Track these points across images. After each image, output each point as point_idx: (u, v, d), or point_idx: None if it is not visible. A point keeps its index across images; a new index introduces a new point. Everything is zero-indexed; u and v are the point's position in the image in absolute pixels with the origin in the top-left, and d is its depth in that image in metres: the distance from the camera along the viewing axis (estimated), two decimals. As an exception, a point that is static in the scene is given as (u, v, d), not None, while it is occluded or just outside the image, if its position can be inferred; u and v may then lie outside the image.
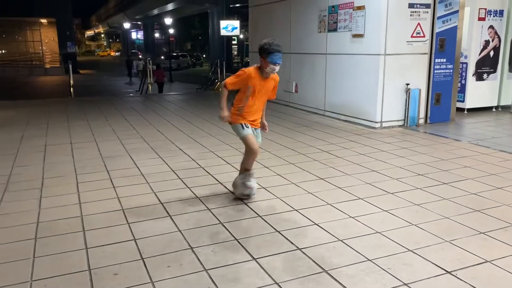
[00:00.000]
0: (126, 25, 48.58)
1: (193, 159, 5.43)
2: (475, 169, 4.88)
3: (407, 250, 3.01)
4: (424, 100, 7.50)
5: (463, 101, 8.44)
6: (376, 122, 7.25)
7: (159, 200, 4.01)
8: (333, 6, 8.07)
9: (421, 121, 7.51)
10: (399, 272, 2.73)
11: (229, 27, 28.24)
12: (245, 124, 3.82)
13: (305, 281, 2.64)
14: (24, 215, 3.69)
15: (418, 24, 7.17)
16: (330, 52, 8.27)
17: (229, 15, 33.14)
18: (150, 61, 16.71)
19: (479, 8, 8.07)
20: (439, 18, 7.24)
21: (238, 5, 32.56)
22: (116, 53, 63.68)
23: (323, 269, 2.77)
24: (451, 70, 7.55)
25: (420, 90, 7.33)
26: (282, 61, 3.78)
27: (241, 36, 38.27)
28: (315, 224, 3.46)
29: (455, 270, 2.73)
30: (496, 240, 3.15)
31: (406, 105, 7.29)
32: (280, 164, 5.18)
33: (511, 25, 8.50)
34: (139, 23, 52.99)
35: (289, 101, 9.73)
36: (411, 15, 7.09)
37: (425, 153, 5.63)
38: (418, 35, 7.20)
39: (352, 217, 3.58)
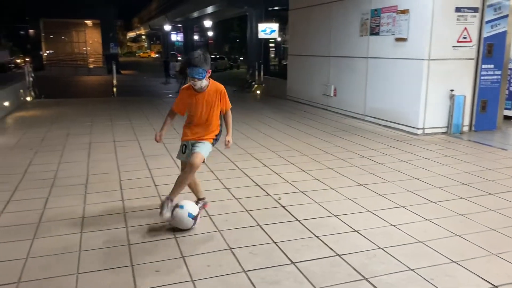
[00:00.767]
0: (167, 27, 49.61)
1: (231, 161, 5.47)
2: (524, 180, 4.68)
3: (450, 261, 2.92)
4: (469, 107, 7.26)
5: (510, 109, 8.10)
6: (418, 129, 7.08)
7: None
8: (375, 10, 7.95)
9: (466, 128, 7.27)
10: (442, 283, 2.65)
11: (268, 30, 28.29)
12: (182, 145, 3.60)
13: (345, 287, 2.61)
14: (70, 210, 3.84)
15: (465, 28, 6.94)
16: (372, 55, 8.14)
17: (268, 18, 33.23)
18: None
19: (531, 12, 7.73)
20: (487, 22, 6.99)
21: (276, 8, 32.60)
22: (156, 55, 65.18)
23: (363, 276, 2.73)
24: (499, 77, 7.27)
25: (465, 96, 7.10)
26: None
27: (279, 39, 38.30)
28: (355, 230, 3.41)
29: (503, 285, 2.63)
30: (547, 256, 3.01)
31: (450, 112, 7.08)
32: (318, 169, 5.14)
33: None
34: (179, 25, 53.97)
35: (328, 104, 9.65)
36: (457, 19, 6.88)
37: (469, 161, 5.44)
38: (464, 40, 6.98)
39: (393, 225, 3.51)
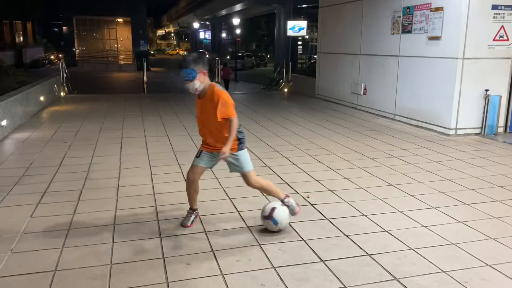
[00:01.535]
0: (195, 25, 50.09)
1: (259, 158, 5.49)
2: None
3: (485, 264, 2.86)
4: (505, 108, 7.05)
5: (548, 110, 7.82)
6: (450, 129, 6.92)
7: (228, 196, 4.11)
8: (408, 7, 7.80)
9: (500, 130, 7.06)
10: (476, 286, 2.59)
11: (296, 27, 28.15)
12: (201, 151, 3.42)
13: (375, 287, 2.59)
14: (103, 203, 3.94)
15: (502, 27, 6.74)
16: (403, 54, 8.00)
17: (296, 16, 33.07)
18: (218, 61, 17.07)
19: None
20: (526, 20, 6.76)
21: (305, 5, 32.40)
22: (185, 52, 66.00)
23: (394, 277, 2.70)
24: (537, 77, 7.03)
25: (500, 97, 6.89)
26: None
27: (307, 37, 38.06)
28: (385, 231, 3.37)
29: (540, 291, 2.55)
30: None
31: (484, 113, 6.89)
32: (347, 168, 5.10)
33: None
34: (207, 23, 54.37)
35: (357, 103, 9.54)
36: (494, 17, 6.69)
37: (504, 163, 5.28)
38: (501, 38, 6.77)
39: (425, 226, 3.45)
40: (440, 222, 3.54)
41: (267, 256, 2.95)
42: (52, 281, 2.63)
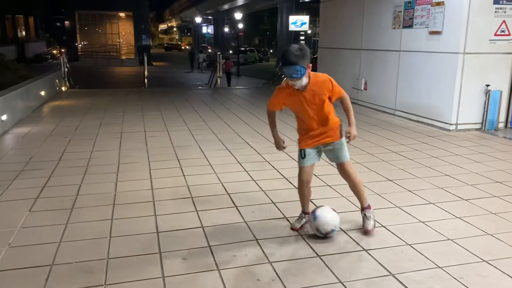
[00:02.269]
0: (198, 20, 49.94)
1: (258, 153, 5.49)
2: (562, 179, 4.50)
3: (481, 260, 2.85)
4: (506, 103, 7.01)
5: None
6: (451, 124, 6.90)
7: (226, 191, 4.12)
8: (409, 2, 7.75)
9: (501, 125, 7.03)
10: (472, 282, 2.59)
11: (298, 22, 28.07)
12: (304, 151, 3.28)
13: (371, 283, 2.59)
14: (102, 197, 3.95)
15: (503, 21, 6.69)
16: (404, 49, 7.96)
17: (298, 10, 32.95)
18: (220, 55, 17.05)
19: None
20: (528, 15, 6.71)
21: (307, 0, 32.28)
22: (187, 47, 65.86)
23: (390, 272, 2.70)
24: (539, 72, 6.98)
25: (501, 92, 6.86)
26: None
27: (309, 32, 37.94)
28: (382, 226, 3.37)
29: (536, 287, 2.55)
30: None
31: (485, 108, 6.86)
32: (346, 163, 5.08)
33: None
34: (210, 17, 54.22)
35: (358, 98, 9.51)
36: (495, 12, 6.64)
37: (504, 159, 5.27)
38: (502, 33, 6.73)
39: (422, 222, 3.45)
40: (437, 217, 3.54)
41: (263, 251, 2.96)
42: (49, 275, 2.64)
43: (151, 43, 51.74)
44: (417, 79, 7.65)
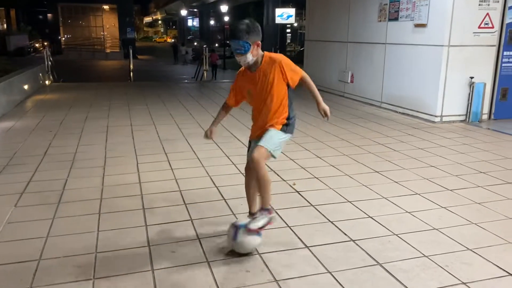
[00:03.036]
0: (183, 12, 49.54)
1: (246, 146, 5.48)
2: (544, 169, 4.60)
3: (466, 249, 2.91)
4: (489, 95, 7.13)
5: (532, 97, 7.92)
6: (436, 116, 6.99)
7: (214, 184, 4.12)
8: (395, -5, 7.80)
9: (485, 116, 7.15)
10: (457, 270, 2.64)
11: (284, 15, 28.04)
12: (249, 142, 3.08)
13: (359, 272, 2.63)
14: (89, 192, 3.92)
15: (487, 14, 6.78)
16: (390, 41, 8.02)
17: (284, 3, 32.89)
18: (206, 49, 16.95)
19: (557, -2, 7.50)
20: (510, 8, 6.81)
21: (293, -7, 32.26)
22: (173, 40, 65.36)
23: (377, 261, 2.74)
24: (521, 64, 7.11)
25: (485, 84, 6.96)
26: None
27: (295, 24, 37.93)
28: (369, 217, 3.42)
29: (519, 273, 2.61)
30: None
31: (469, 100, 6.96)
32: (333, 155, 5.13)
33: None
34: (195, 10, 53.81)
35: (344, 91, 9.56)
36: (479, 5, 6.72)
37: (487, 150, 5.36)
38: (486, 26, 6.82)
39: (408, 212, 3.50)
40: (423, 208, 3.60)
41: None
42: (36, 270, 2.62)
43: (136, 36, 51.15)
44: (402, 72, 7.72)
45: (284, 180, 4.22)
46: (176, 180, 4.21)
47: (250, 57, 2.70)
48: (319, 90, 3.02)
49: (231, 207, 3.58)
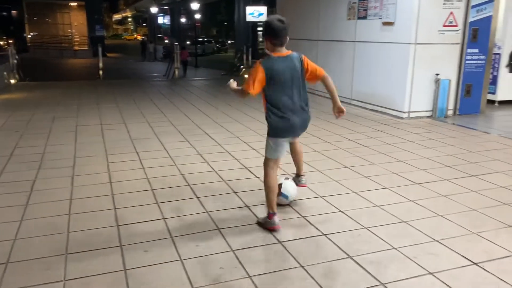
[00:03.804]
0: (153, 10, 48.79)
1: (219, 144, 5.49)
2: (505, 162, 4.79)
3: (433, 240, 3.01)
4: (454, 91, 7.35)
5: (494, 93, 8.23)
6: (404, 112, 7.16)
7: (187, 182, 4.10)
8: (363, -7, 7.94)
9: (450, 112, 7.37)
10: (424, 261, 2.73)
11: (256, 13, 27.99)
12: None
13: (330, 265, 2.68)
14: (58, 192, 3.84)
15: (451, 13, 6.99)
16: (359, 39, 8.16)
17: (256, 1, 32.90)
18: (178, 46, 16.79)
19: (516, -3, 7.81)
20: (473, 7, 7.04)
21: (265, -9, 32.29)
22: (143, 37, 64.47)
23: (348, 255, 2.81)
24: (484, 61, 7.36)
25: (450, 80, 7.18)
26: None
27: (267, 23, 38.00)
28: (340, 211, 3.48)
29: (482, 262, 2.72)
30: (524, 234, 3.12)
31: (435, 96, 7.17)
32: (305, 151, 5.09)
33: (549, 16, 8.20)
34: (166, 7, 53.16)
35: (315, 88, 9.65)
36: (444, 4, 6.92)
37: (453, 144, 5.55)
38: (450, 24, 7.03)
39: (378, 206, 3.59)
40: (392, 201, 3.70)
41: (226, 240, 2.98)
42: (4, 273, 2.56)
43: (105, 34, 50.15)
44: (372, 69, 7.88)
45: (257, 177, 4.25)
46: (148, 179, 4.17)
47: (266, 51, 3.09)
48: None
49: (204, 204, 3.58)
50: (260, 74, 2.99)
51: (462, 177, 4.30)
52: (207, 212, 3.44)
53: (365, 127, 6.50)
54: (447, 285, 2.47)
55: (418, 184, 4.12)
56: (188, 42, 41.70)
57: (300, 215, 3.40)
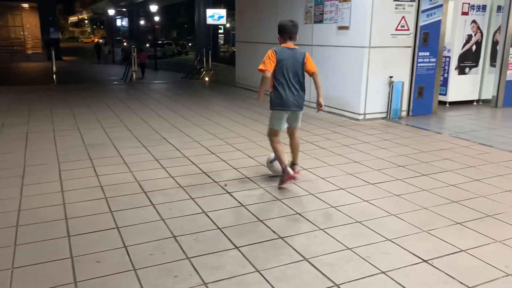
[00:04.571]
0: (111, 12, 47.72)
1: (177, 149, 5.42)
2: (455, 161, 4.99)
3: (385, 239, 3.09)
4: (407, 93, 7.61)
5: (445, 95, 8.58)
6: (359, 114, 7.33)
7: (142, 189, 4.02)
8: (319, -2, 8.07)
9: (404, 113, 7.62)
10: (377, 260, 2.80)
11: (216, 15, 27.91)
12: None
13: (286, 269, 2.69)
14: (5, 203, 3.66)
15: (403, 17, 7.23)
16: (316, 43, 8.29)
17: (216, 4, 32.82)
18: (135, 49, 16.49)
19: (463, 3, 8.18)
20: (423, 11, 7.31)
21: (224, -7, 32.28)
22: (101, 40, 62.88)
23: (304, 257, 2.83)
24: (434, 64, 7.66)
25: (403, 83, 7.42)
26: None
27: (228, 25, 37.99)
28: (297, 213, 3.51)
29: (432, 259, 2.81)
30: (472, 230, 3.25)
31: (389, 98, 7.38)
32: (264, 155, 5.18)
33: (493, 20, 8.63)
34: (124, 10, 52.07)
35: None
36: (396, 8, 7.15)
37: (406, 145, 5.72)
38: (402, 28, 7.27)
39: (334, 207, 3.64)
40: (347, 202, 3.76)
41: (181, 247, 2.94)
42: None
43: (61, 37, 48.55)
44: (328, 72, 8.00)
45: (216, 182, 4.23)
46: (102, 187, 4.05)
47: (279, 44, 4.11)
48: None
49: (160, 212, 3.52)
50: (272, 55, 4.00)
51: (414, 177, 4.45)
52: (162, 220, 3.38)
53: (323, 129, 6.60)
54: (399, 283, 2.54)
55: (372, 184, 4.22)
56: (147, 45, 41.08)
57: (258, 219, 3.40)
